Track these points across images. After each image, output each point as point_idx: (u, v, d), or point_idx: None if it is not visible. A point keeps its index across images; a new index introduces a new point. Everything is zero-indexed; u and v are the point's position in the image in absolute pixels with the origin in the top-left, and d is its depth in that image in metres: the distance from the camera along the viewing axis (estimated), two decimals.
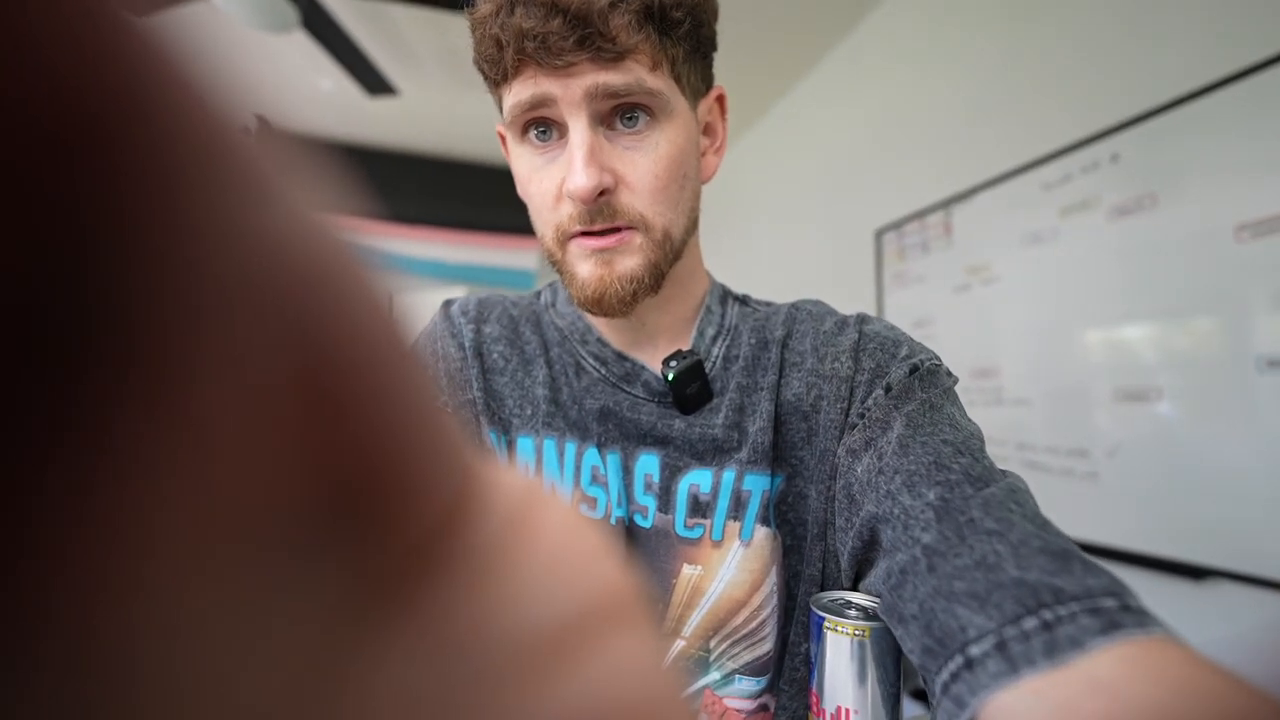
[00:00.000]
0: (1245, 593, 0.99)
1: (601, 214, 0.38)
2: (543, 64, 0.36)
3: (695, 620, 0.41)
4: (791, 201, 2.41)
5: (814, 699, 0.34)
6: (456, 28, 2.06)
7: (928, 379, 0.40)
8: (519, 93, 0.37)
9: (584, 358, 0.46)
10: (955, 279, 1.58)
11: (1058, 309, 1.31)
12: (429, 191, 3.05)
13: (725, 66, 0.48)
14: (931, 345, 1.75)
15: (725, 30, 0.47)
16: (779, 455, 0.42)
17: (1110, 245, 1.20)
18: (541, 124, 0.39)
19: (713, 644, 0.41)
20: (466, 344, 0.47)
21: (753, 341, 0.46)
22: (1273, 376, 0.95)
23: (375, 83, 2.06)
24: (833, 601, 0.35)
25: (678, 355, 0.43)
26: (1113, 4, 1.24)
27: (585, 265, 0.40)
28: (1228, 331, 1.01)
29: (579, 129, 0.37)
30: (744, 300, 0.51)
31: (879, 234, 1.88)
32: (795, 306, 0.48)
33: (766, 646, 0.41)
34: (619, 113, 0.38)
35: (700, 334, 0.46)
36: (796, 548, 0.41)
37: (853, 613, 0.34)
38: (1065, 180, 1.30)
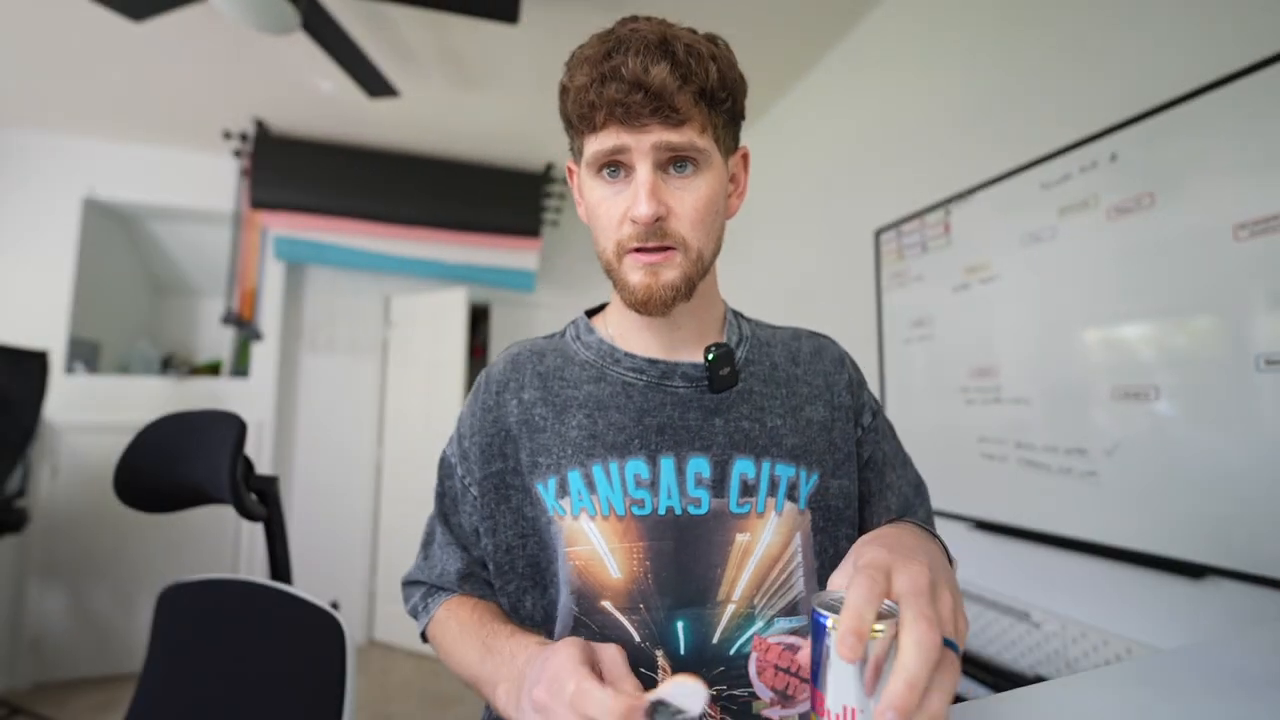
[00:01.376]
0: (1244, 591, 0.99)
1: (654, 235, 0.52)
2: (624, 123, 0.50)
3: (744, 581, 0.54)
4: (791, 201, 2.41)
5: (818, 698, 0.34)
6: (456, 29, 2.06)
7: (878, 408, 0.67)
8: (603, 141, 0.51)
9: (624, 374, 0.59)
10: (954, 278, 1.58)
11: (1056, 308, 1.31)
12: (429, 191, 3.04)
13: None
14: (931, 345, 1.74)
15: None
16: (814, 459, 0.58)
17: (1109, 244, 1.20)
18: (614, 165, 0.53)
19: (756, 600, 0.54)
20: (513, 420, 0.59)
21: (772, 359, 0.63)
22: (1272, 375, 0.95)
23: (375, 83, 2.06)
24: (835, 601, 0.35)
25: (715, 345, 0.58)
26: (1111, 4, 1.25)
27: (636, 275, 0.53)
28: (1226, 330, 1.01)
29: (644, 171, 0.51)
30: (742, 316, 0.68)
31: (878, 233, 1.88)
32: (790, 342, 0.65)
33: (795, 590, 0.55)
34: (673, 161, 0.52)
35: (728, 338, 0.63)
36: (833, 521, 0.58)
37: None
38: (1064, 180, 1.30)
